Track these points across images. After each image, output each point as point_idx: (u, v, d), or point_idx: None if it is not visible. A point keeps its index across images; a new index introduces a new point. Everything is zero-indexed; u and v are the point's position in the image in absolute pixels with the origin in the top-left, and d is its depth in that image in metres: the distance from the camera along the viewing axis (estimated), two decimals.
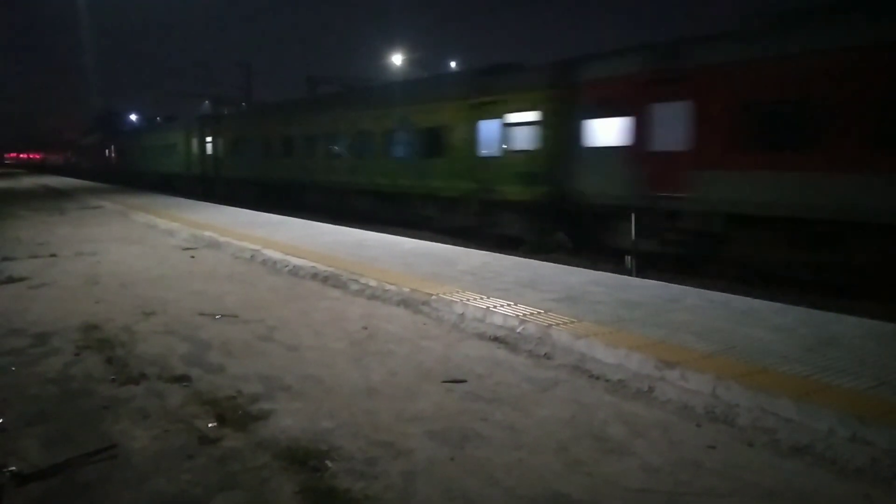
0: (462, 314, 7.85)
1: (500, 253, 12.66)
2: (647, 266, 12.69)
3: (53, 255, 13.43)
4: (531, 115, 15.87)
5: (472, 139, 17.74)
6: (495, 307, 7.74)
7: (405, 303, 8.67)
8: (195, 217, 19.72)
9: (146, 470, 4.28)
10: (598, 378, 5.92)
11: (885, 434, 4.34)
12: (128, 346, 7.05)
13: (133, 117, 75.89)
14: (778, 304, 7.99)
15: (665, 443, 4.63)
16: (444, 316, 8.00)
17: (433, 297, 8.43)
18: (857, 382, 5.16)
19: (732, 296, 8.56)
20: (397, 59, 47.67)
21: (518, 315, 7.36)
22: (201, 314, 8.37)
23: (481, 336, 7.25)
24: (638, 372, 5.80)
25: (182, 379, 5.98)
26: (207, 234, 15.63)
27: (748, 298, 8.39)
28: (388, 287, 9.22)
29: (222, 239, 14.70)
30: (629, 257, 12.81)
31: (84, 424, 5.02)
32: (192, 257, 13.18)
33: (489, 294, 8.45)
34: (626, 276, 10.36)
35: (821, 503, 3.85)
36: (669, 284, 9.39)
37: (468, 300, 8.12)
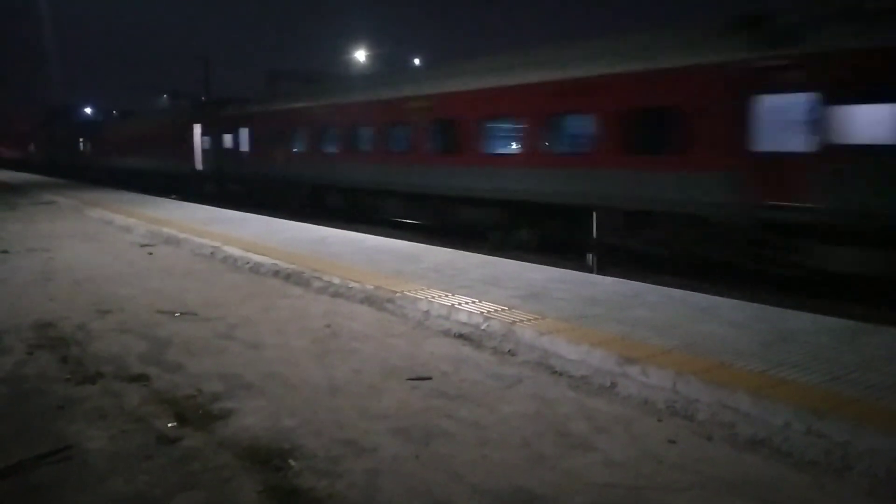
0: (427, 311, 7.84)
1: (464, 250, 12.68)
2: (609, 263, 12.83)
3: (5, 252, 13.03)
4: None
5: None
6: (460, 304, 7.75)
7: (369, 300, 8.62)
8: (153, 213, 19.33)
9: (103, 471, 4.18)
10: (561, 374, 5.97)
11: (837, 427, 4.46)
12: (83, 344, 6.87)
13: (88, 110, 74.10)
14: (735, 301, 8.17)
15: (627, 437, 4.69)
16: (409, 313, 7.98)
17: (397, 294, 8.41)
18: (811, 377, 5.29)
19: (691, 292, 8.71)
20: (361, 54, 47.41)
21: (482, 312, 7.38)
22: (160, 312, 8.21)
23: (446, 333, 7.25)
24: (600, 368, 5.86)
25: (140, 378, 5.85)
26: (166, 230, 15.34)
27: (707, 295, 8.55)
28: (351, 284, 9.16)
29: (181, 235, 14.43)
30: (591, 255, 12.94)
31: (38, 425, 4.88)
32: (150, 254, 12.92)
33: (454, 291, 8.46)
34: (587, 274, 10.47)
35: (777, 494, 3.94)
36: (630, 281, 9.52)
37: (433, 297, 8.11)
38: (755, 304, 7.98)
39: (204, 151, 30.36)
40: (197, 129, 30.82)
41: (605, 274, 10.77)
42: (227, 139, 28.20)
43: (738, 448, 4.55)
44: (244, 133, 26.95)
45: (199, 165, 30.73)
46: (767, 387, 5.07)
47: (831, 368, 5.49)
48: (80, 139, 52.49)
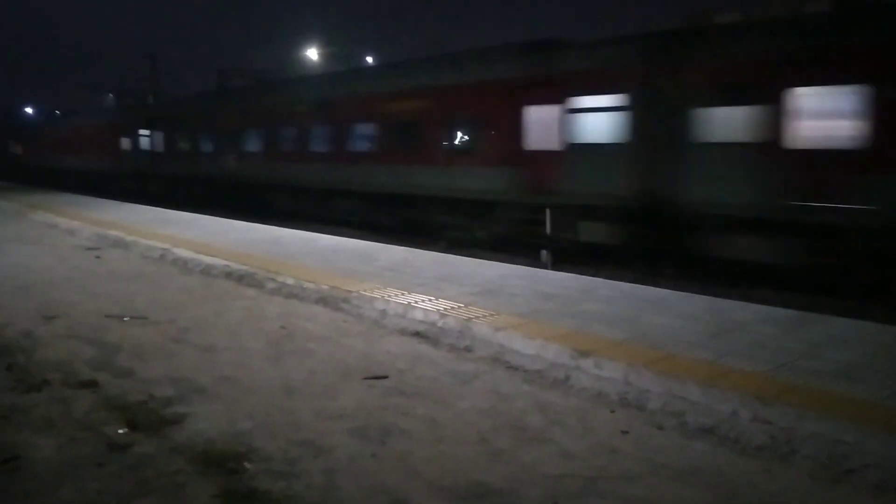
0: (383, 310, 7.83)
1: (419, 248, 12.69)
2: (562, 259, 13.01)
3: None
4: None
5: None
6: (416, 302, 7.76)
7: (324, 300, 8.57)
8: (99, 216, 18.83)
9: (52, 480, 4.07)
10: (516, 369, 6.04)
11: (782, 413, 4.63)
12: (28, 351, 6.67)
13: (29, 110, 71.69)
14: (685, 293, 8.37)
15: (581, 429, 4.78)
16: (365, 312, 7.96)
17: (353, 293, 8.38)
18: (757, 366, 5.47)
19: (642, 286, 8.90)
20: (313, 52, 46.90)
21: (439, 310, 7.41)
22: (108, 316, 8.01)
23: (403, 331, 7.25)
24: (554, 362, 5.95)
25: (89, 384, 5.71)
26: (113, 233, 14.96)
27: (657, 288, 8.74)
28: (306, 285, 9.09)
29: (129, 238, 14.10)
30: (545, 251, 13.11)
31: None
32: (98, 257, 12.59)
33: (410, 289, 8.47)
34: (542, 269, 10.60)
35: (726, 480, 4.06)
36: (583, 276, 9.67)
37: (389, 296, 8.11)
38: (704, 297, 8.20)
39: (125, 151, 32.83)
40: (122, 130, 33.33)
41: (558, 269, 10.93)
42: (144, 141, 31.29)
43: (688, 436, 4.67)
44: (158, 135, 30.11)
45: (126, 165, 32.88)
46: (715, 376, 5.22)
47: (776, 357, 5.68)
48: (10, 141, 52.67)
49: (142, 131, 31.21)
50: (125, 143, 32.64)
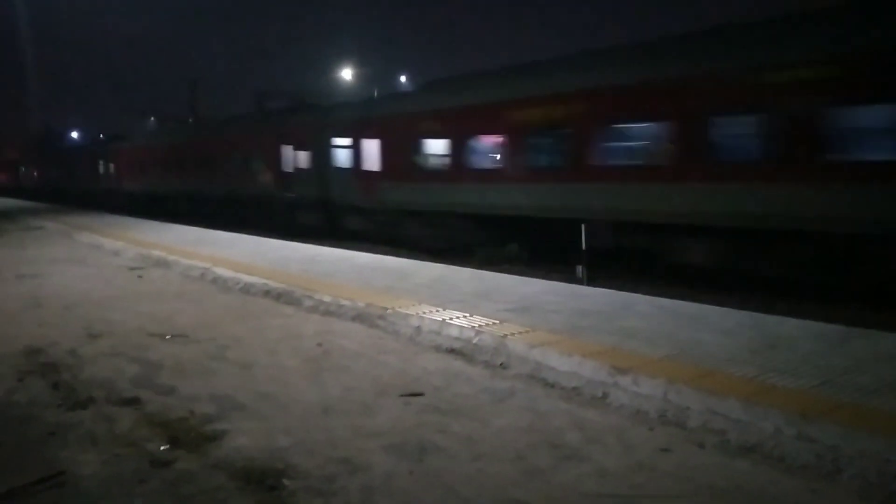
0: (418, 327, 7.85)
1: (455, 265, 12.71)
2: (599, 275, 12.90)
3: None
4: None
5: None
6: (451, 319, 7.77)
7: (360, 318, 8.63)
8: (142, 236, 19.28)
9: (96, 496, 4.16)
10: (553, 386, 5.99)
11: (827, 431, 4.50)
12: (74, 369, 6.84)
13: (75, 135, 73.91)
14: (724, 308, 8.23)
15: (620, 447, 4.72)
16: (401, 329, 7.99)
17: (389, 310, 8.42)
18: (800, 382, 5.34)
19: (681, 301, 8.77)
20: (347, 73, 47.59)
21: (474, 326, 7.40)
22: (150, 335, 8.18)
23: (438, 348, 7.26)
24: (592, 379, 5.89)
25: (132, 402, 5.83)
26: (155, 252, 15.30)
27: (696, 304, 8.61)
28: (342, 302, 9.17)
29: (171, 258, 14.40)
30: (580, 266, 12.99)
31: (29, 452, 4.85)
32: (140, 277, 12.88)
33: (445, 306, 8.48)
34: (578, 285, 10.52)
35: (770, 500, 3.97)
36: (620, 292, 9.58)
37: (424, 313, 8.13)
38: (743, 312, 8.04)
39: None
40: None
41: (595, 285, 10.83)
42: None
43: (730, 454, 4.58)
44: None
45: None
46: (757, 393, 5.11)
47: (819, 373, 5.54)
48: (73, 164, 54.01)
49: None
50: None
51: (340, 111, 22.14)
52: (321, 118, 22.21)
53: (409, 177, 17.94)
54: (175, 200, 33.08)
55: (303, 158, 22.85)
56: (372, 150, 19.32)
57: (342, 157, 20.92)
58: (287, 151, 23.59)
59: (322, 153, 21.76)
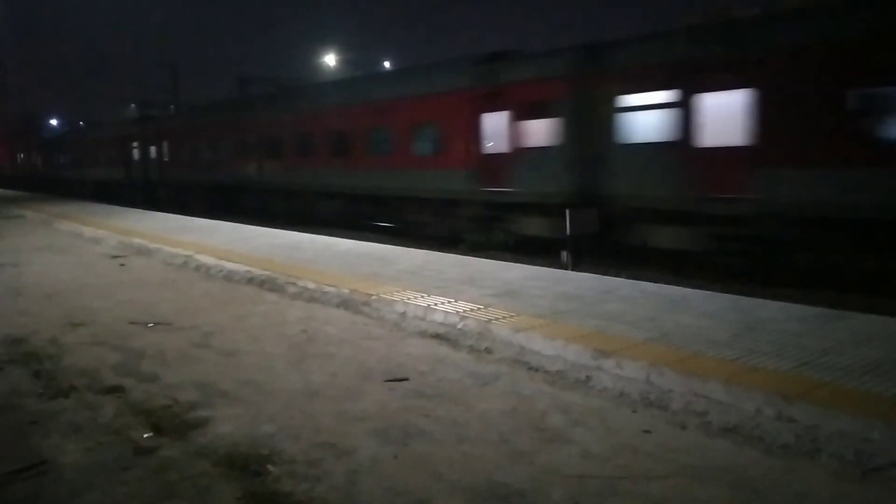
0: (403, 313, 7.85)
1: (439, 251, 12.71)
2: (583, 260, 12.95)
3: None
4: None
5: None
6: (436, 305, 7.77)
7: (345, 304, 8.61)
8: (123, 224, 19.09)
9: (79, 485, 4.14)
10: (537, 370, 6.02)
11: (807, 411, 4.57)
12: (55, 358, 6.78)
13: (54, 122, 72.88)
14: (706, 292, 8.30)
15: (603, 430, 4.76)
16: (385, 315, 7.99)
17: (373, 297, 8.41)
18: (780, 364, 5.41)
19: (664, 285, 8.84)
20: (331, 59, 47.22)
21: (458, 312, 7.41)
22: (133, 323, 8.12)
23: (423, 334, 7.27)
24: (575, 362, 5.92)
25: (114, 390, 5.79)
26: (137, 240, 15.17)
27: (678, 287, 8.68)
28: (326, 289, 9.15)
29: (152, 245, 14.28)
30: (565, 252, 13.04)
31: (11, 441, 4.81)
32: (122, 265, 12.77)
33: (430, 292, 8.48)
34: (562, 270, 10.56)
35: (750, 479, 4.02)
36: (604, 277, 9.63)
37: (409, 299, 8.13)
38: (726, 295, 8.12)
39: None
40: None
41: (579, 270, 10.88)
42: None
43: (712, 435, 4.63)
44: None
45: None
46: (739, 374, 5.17)
47: (799, 354, 5.61)
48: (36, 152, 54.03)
49: None
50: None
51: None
52: None
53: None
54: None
55: None
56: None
57: None
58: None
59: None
